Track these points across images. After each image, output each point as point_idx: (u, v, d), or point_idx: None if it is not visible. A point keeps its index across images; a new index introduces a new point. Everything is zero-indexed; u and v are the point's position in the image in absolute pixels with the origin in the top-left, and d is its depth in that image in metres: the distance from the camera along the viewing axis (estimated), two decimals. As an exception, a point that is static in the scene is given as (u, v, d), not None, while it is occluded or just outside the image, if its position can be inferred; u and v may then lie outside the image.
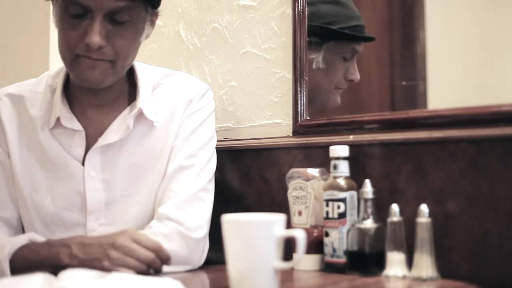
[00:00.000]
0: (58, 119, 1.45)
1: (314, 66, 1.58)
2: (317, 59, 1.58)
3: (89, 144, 1.46)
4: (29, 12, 1.97)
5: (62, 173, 1.45)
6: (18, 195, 1.47)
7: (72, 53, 1.37)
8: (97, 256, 1.26)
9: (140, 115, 1.46)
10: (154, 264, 1.28)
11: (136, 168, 1.47)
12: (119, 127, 1.46)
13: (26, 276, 1.04)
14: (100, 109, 1.48)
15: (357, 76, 1.58)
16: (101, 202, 1.44)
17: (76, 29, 1.36)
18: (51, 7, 1.44)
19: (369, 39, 1.58)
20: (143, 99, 1.47)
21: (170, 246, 1.36)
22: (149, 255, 1.28)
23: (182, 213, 1.41)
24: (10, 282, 1.05)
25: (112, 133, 1.45)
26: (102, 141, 1.44)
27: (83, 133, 1.45)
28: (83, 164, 1.45)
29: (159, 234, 1.37)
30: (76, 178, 1.44)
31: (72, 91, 1.49)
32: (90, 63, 1.37)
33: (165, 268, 1.33)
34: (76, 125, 1.45)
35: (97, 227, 1.44)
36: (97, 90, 1.44)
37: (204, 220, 1.44)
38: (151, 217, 1.46)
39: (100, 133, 1.46)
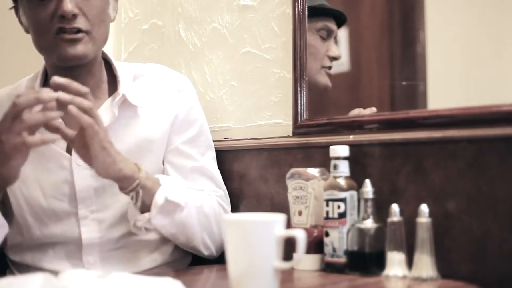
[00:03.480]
0: None
1: None
2: None
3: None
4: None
5: (50, 164, 1.47)
6: (8, 189, 1.48)
7: (50, 33, 1.41)
8: None
9: (124, 102, 1.49)
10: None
11: (124, 154, 1.47)
12: (104, 115, 1.47)
13: (26, 276, 1.04)
14: None
15: (338, 53, 1.61)
16: (90, 189, 1.46)
17: (46, 10, 1.40)
18: (17, 19, 1.50)
19: (335, 11, 1.62)
20: (125, 86, 1.50)
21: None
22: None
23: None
24: (10, 282, 1.05)
25: None
26: None
27: (63, 125, 1.46)
28: (70, 154, 1.47)
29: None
30: (64, 168, 1.47)
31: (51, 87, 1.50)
32: (70, 38, 1.40)
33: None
34: None
35: (89, 214, 1.47)
36: (75, 74, 1.44)
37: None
38: None
39: None
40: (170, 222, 1.43)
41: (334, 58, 1.62)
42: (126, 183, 1.37)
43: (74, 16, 1.39)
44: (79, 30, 1.41)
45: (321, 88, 1.62)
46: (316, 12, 1.60)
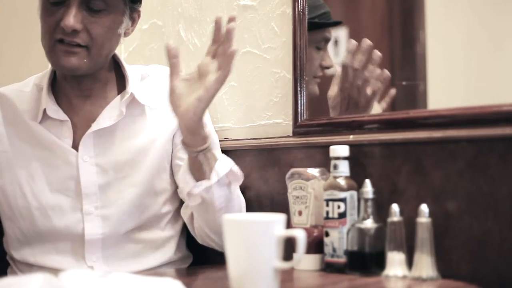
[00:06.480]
0: (44, 111, 1.49)
1: None
2: None
3: (78, 133, 1.50)
4: (29, 9, 1.97)
5: (57, 160, 1.50)
6: (14, 184, 1.51)
7: (51, 39, 1.44)
8: None
9: (132, 100, 1.52)
10: None
11: (130, 152, 1.51)
12: (111, 113, 1.50)
13: (26, 276, 1.04)
14: (86, 99, 1.52)
15: (331, 63, 1.62)
16: (95, 185, 1.49)
17: (54, 15, 1.43)
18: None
19: (337, 23, 1.63)
20: (133, 85, 1.52)
21: None
22: None
23: None
24: (10, 282, 1.05)
25: (105, 119, 1.50)
26: (95, 126, 1.49)
27: (69, 123, 1.50)
28: (77, 150, 1.49)
29: None
30: (71, 164, 1.49)
31: (59, 86, 1.53)
32: (66, 50, 1.43)
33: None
34: (62, 115, 1.50)
35: (93, 210, 1.49)
36: (80, 79, 1.50)
37: None
38: (147, 199, 1.51)
39: (88, 122, 1.50)
40: (227, 193, 1.42)
41: (326, 67, 1.63)
42: (199, 140, 1.36)
43: (75, 31, 1.41)
44: (78, 44, 1.43)
45: (310, 98, 1.63)
46: (318, 26, 1.60)
